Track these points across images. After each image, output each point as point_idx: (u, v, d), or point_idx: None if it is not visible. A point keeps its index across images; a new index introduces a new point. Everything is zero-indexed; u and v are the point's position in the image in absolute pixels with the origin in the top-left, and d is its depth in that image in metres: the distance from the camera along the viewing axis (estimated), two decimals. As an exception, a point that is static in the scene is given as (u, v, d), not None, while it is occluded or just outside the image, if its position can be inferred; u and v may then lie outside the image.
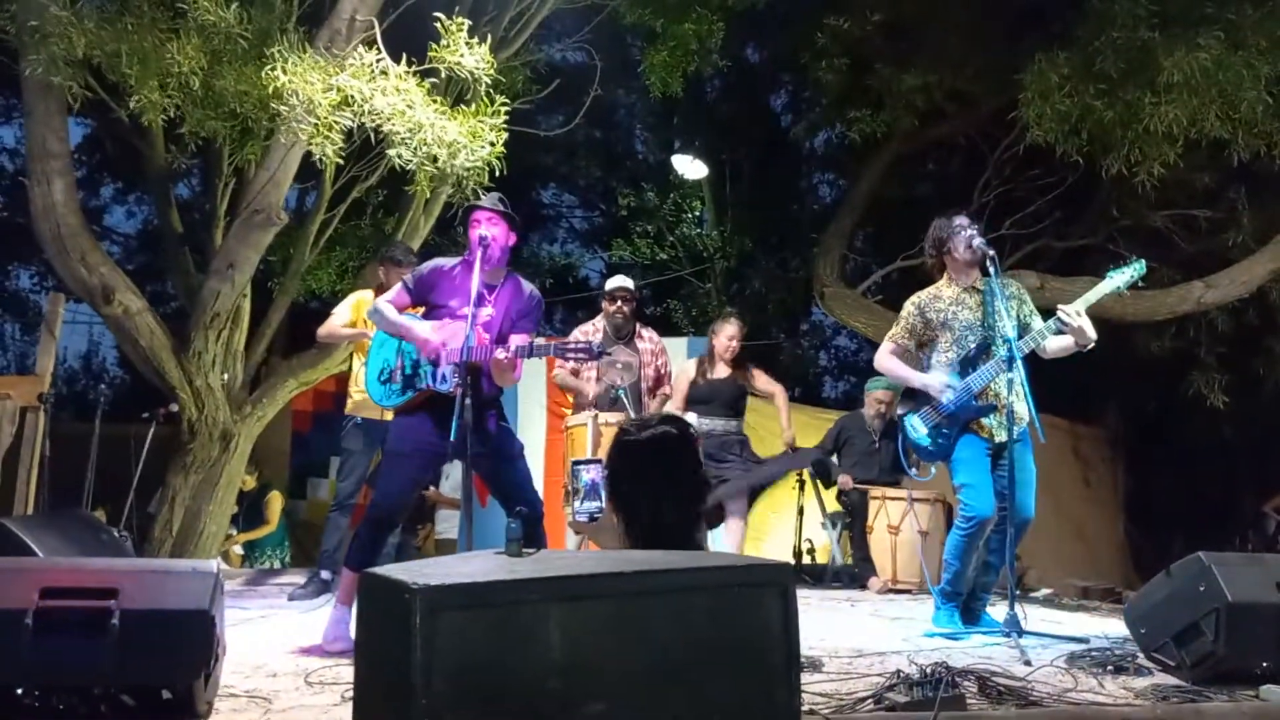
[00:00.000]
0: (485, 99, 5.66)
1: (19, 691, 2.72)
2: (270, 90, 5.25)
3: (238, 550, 8.46)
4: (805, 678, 2.33)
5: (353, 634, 4.11)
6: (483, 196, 4.70)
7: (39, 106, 6.07)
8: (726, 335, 6.62)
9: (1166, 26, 7.53)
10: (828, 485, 7.71)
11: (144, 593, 2.77)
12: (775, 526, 8.50)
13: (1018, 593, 4.74)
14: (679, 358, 8.15)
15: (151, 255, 14.65)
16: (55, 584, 2.75)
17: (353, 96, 5.31)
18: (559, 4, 7.79)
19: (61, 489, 6.55)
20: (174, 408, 6.83)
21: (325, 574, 6.03)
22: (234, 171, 7.52)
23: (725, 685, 1.87)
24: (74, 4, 5.37)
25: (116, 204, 15.70)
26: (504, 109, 5.68)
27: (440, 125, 5.40)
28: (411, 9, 6.44)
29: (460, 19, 5.59)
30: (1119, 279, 4.76)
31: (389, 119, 5.36)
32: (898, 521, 7.02)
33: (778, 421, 6.91)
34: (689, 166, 12.56)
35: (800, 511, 7.80)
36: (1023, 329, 4.80)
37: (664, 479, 2.56)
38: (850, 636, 4.60)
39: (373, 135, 5.59)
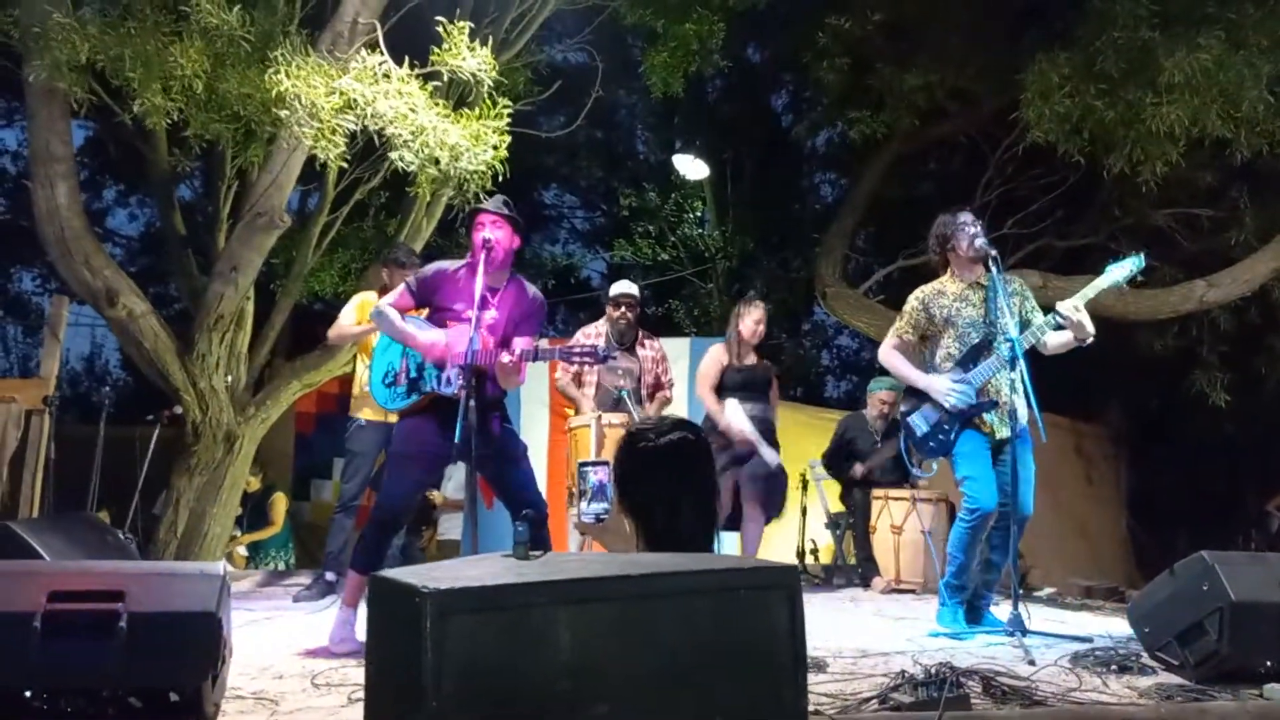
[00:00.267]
0: (487, 101, 5.67)
1: (27, 694, 2.72)
2: (273, 94, 5.26)
3: (242, 551, 8.48)
4: (810, 678, 2.33)
5: (359, 635, 4.14)
6: (486, 199, 4.72)
7: (42, 111, 6.09)
8: (753, 319, 6.52)
9: (1167, 26, 7.54)
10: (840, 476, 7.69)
11: (151, 595, 2.78)
12: (778, 527, 8.52)
13: (1021, 592, 4.75)
14: (681, 358, 8.17)
15: (154, 258, 14.68)
16: (63, 587, 2.75)
17: (355, 100, 5.32)
18: (560, 5, 7.80)
19: (66, 491, 6.56)
20: (178, 410, 6.84)
21: (330, 575, 6.05)
22: (237, 174, 7.54)
23: (733, 687, 1.87)
24: (77, 9, 5.38)
25: (119, 207, 15.75)
26: (506, 111, 5.69)
27: (443, 128, 5.41)
28: (413, 11, 6.46)
29: (462, 22, 5.60)
30: (1117, 273, 4.78)
31: (391, 122, 5.37)
32: (901, 521, 7.02)
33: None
34: (690, 166, 12.57)
35: (803, 512, 7.80)
36: (1024, 326, 4.83)
37: (680, 485, 2.56)
38: (854, 637, 4.60)
39: (375, 138, 5.60)
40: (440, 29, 5.57)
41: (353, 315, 6.06)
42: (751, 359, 6.56)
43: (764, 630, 1.92)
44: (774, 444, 6.42)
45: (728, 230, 13.60)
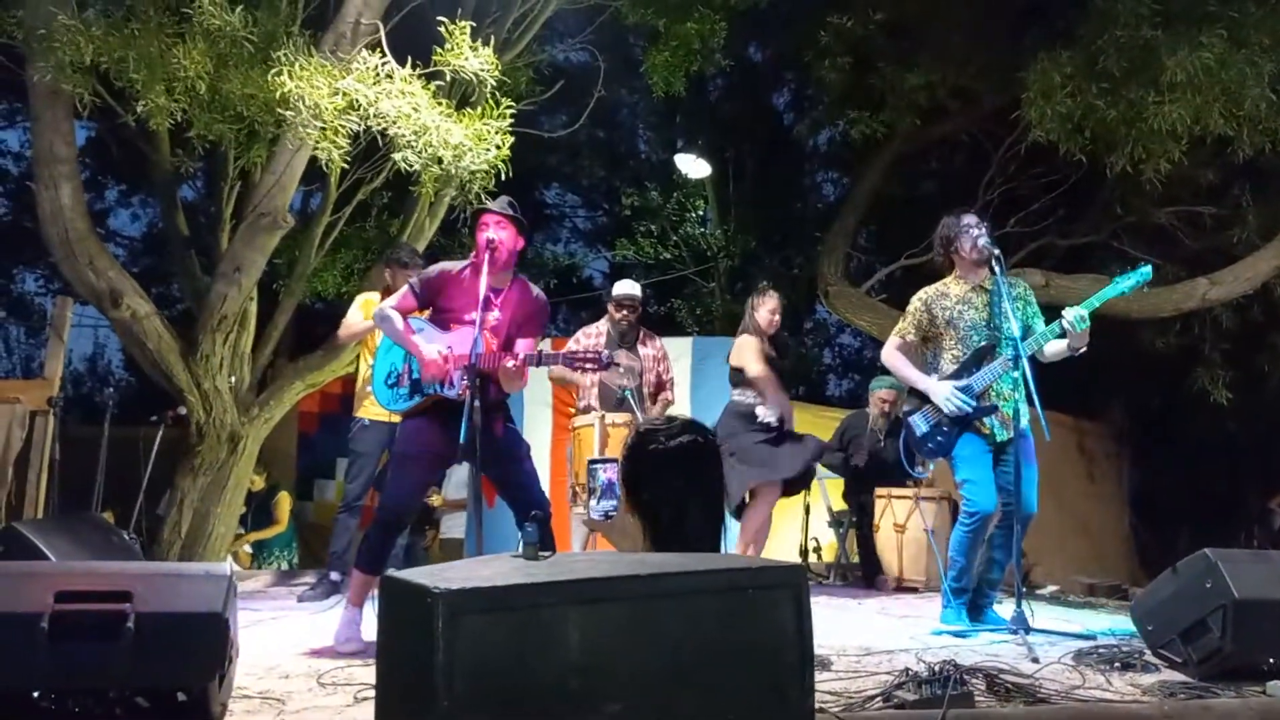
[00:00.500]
0: (490, 101, 5.67)
1: (35, 695, 2.73)
2: (276, 95, 5.27)
3: (247, 550, 8.50)
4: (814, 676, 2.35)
5: (364, 635, 4.16)
6: (489, 199, 4.72)
7: (46, 112, 6.09)
8: (769, 309, 6.40)
9: (1169, 25, 7.53)
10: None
11: (158, 596, 2.78)
12: (781, 525, 8.53)
13: (1024, 590, 4.76)
14: (683, 357, 8.18)
15: (156, 258, 14.71)
16: (70, 588, 2.76)
17: (358, 100, 5.33)
18: (562, 4, 7.80)
19: (70, 492, 6.57)
20: (182, 410, 6.85)
21: (335, 575, 6.07)
22: (239, 175, 7.54)
23: (740, 686, 1.89)
24: (81, 10, 5.39)
25: (121, 207, 15.77)
26: (508, 111, 5.70)
27: (445, 128, 5.42)
28: (415, 11, 6.47)
29: (464, 22, 5.61)
30: (1124, 283, 4.79)
31: (394, 122, 5.38)
32: (904, 520, 7.04)
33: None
34: (692, 166, 12.58)
35: (806, 510, 7.82)
36: (1025, 330, 4.83)
37: (689, 488, 2.57)
38: (858, 635, 4.61)
39: (378, 138, 5.61)
40: (442, 29, 5.58)
41: (359, 314, 6.08)
42: (769, 349, 6.52)
43: (771, 629, 1.93)
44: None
45: (730, 229, 13.61)
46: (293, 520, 9.02)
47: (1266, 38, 7.42)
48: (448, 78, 5.72)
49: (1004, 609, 4.85)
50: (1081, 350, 4.77)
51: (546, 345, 4.58)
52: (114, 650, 2.68)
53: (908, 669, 3.42)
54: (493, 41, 5.86)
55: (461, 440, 3.87)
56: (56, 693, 2.74)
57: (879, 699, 3.11)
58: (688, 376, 8.20)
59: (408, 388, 4.37)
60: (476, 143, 5.49)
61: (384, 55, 5.56)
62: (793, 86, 14.80)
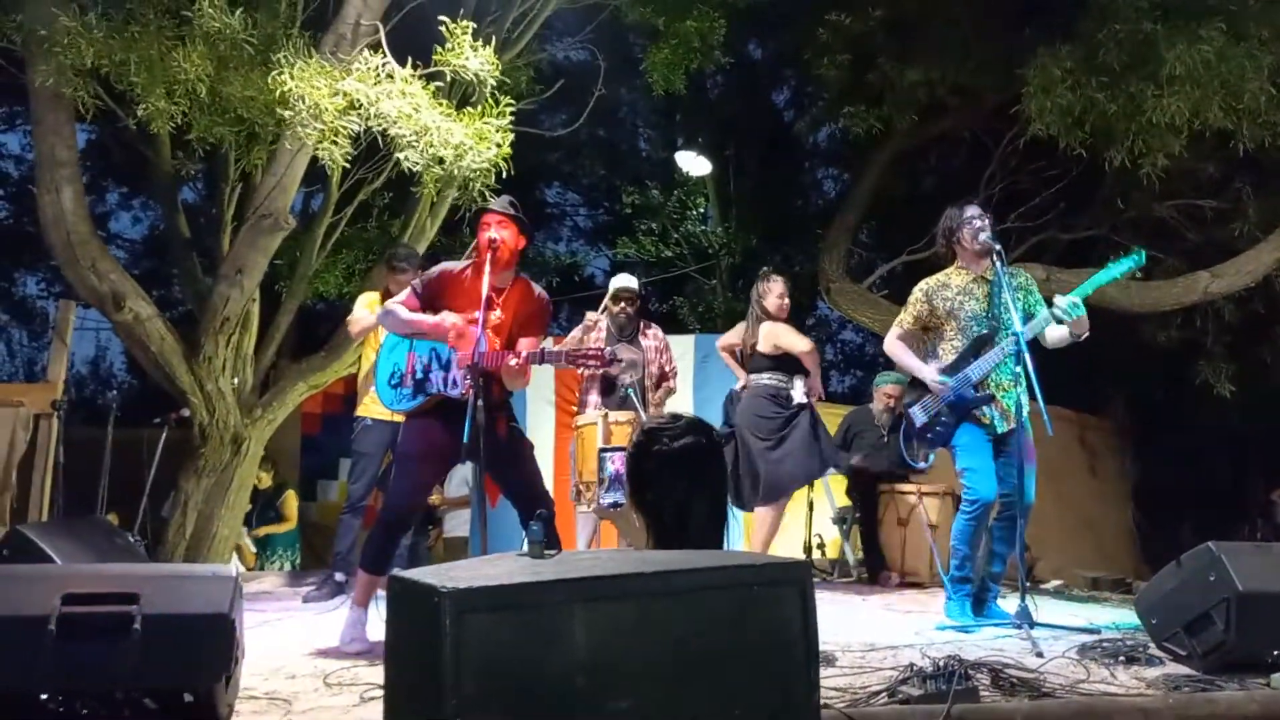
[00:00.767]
0: (491, 101, 5.68)
1: (43, 697, 2.74)
2: (277, 96, 5.28)
3: (250, 548, 8.51)
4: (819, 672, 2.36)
5: (369, 635, 4.17)
6: (492, 199, 4.73)
7: (48, 116, 6.10)
8: (777, 294, 6.40)
9: (1168, 18, 7.53)
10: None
11: (165, 597, 2.79)
12: (785, 522, 8.54)
13: (1028, 584, 4.77)
14: (686, 355, 8.18)
15: (157, 261, 14.71)
16: (77, 590, 2.77)
17: (359, 101, 5.33)
18: (561, 4, 7.80)
19: (73, 495, 6.58)
20: (185, 412, 6.86)
21: (339, 576, 6.08)
22: (240, 176, 7.55)
23: (746, 682, 1.89)
24: (82, 14, 5.39)
25: (122, 210, 15.77)
26: (509, 110, 5.70)
27: (446, 128, 5.42)
28: (415, 11, 6.46)
29: (464, 22, 5.61)
30: (1116, 269, 4.82)
31: (395, 122, 5.38)
32: (907, 515, 7.04)
33: None
34: (692, 163, 12.57)
35: (810, 506, 7.82)
36: (1028, 320, 4.85)
37: (692, 489, 2.58)
38: (862, 630, 4.62)
39: (379, 139, 5.61)
40: (443, 29, 5.58)
41: (364, 310, 6.12)
42: None
43: (777, 625, 1.94)
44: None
45: (731, 226, 13.60)
46: (298, 519, 9.07)
47: (1266, 30, 7.41)
48: (448, 78, 5.72)
49: (1008, 603, 4.87)
50: (1083, 336, 4.78)
51: (549, 343, 4.59)
52: (121, 651, 2.69)
53: (912, 664, 3.42)
54: (493, 41, 5.86)
55: (465, 440, 3.87)
56: (64, 694, 2.75)
57: (884, 694, 3.12)
58: (690, 374, 8.20)
59: (411, 388, 4.38)
60: (478, 142, 5.50)
61: (384, 56, 5.56)
62: (793, 84, 14.79)
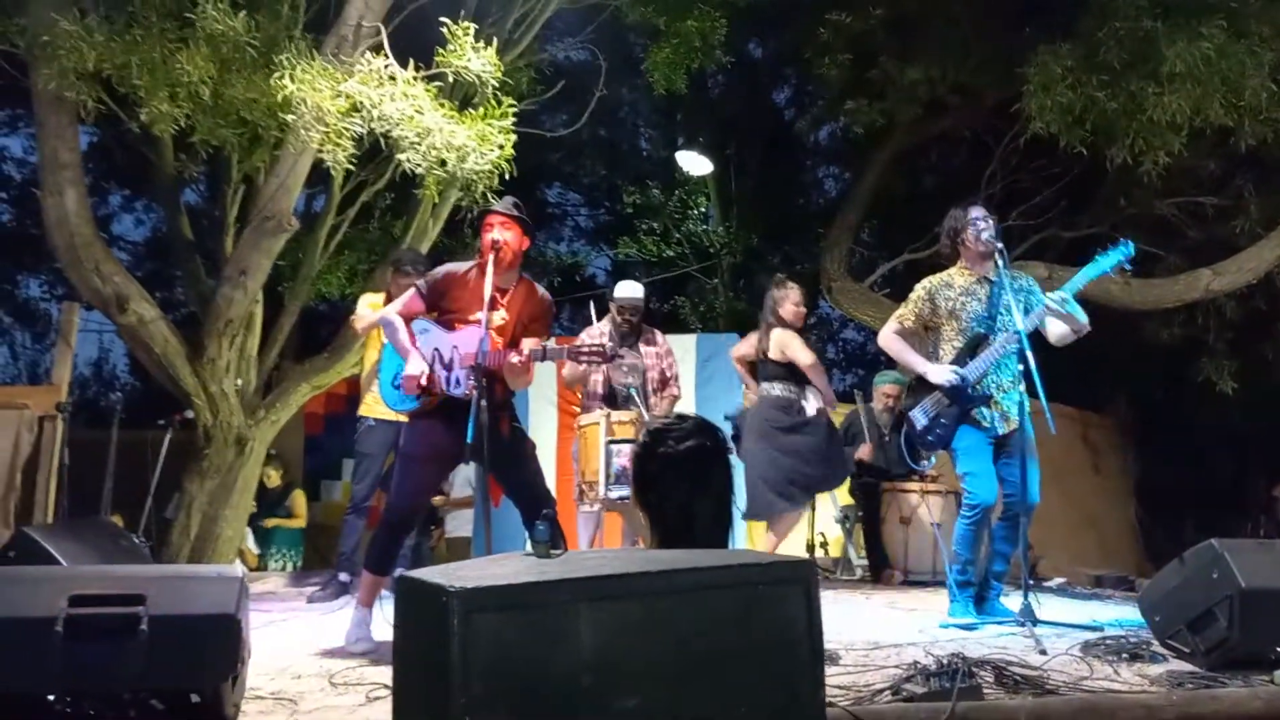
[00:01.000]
0: (492, 102, 5.68)
1: (50, 698, 2.76)
2: (279, 99, 5.28)
3: (253, 549, 8.53)
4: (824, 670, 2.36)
5: (374, 635, 4.18)
6: (495, 200, 4.74)
7: (50, 119, 6.11)
8: (793, 301, 6.38)
9: (1169, 16, 7.53)
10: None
11: (171, 598, 2.80)
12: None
13: (1031, 582, 4.77)
14: (687, 354, 8.19)
15: (160, 262, 14.71)
16: (84, 591, 2.78)
17: (361, 103, 5.34)
18: (562, 4, 7.81)
19: (77, 496, 6.60)
20: (188, 414, 6.88)
21: (343, 576, 6.09)
22: (243, 178, 7.56)
23: (751, 680, 1.90)
24: (84, 17, 5.40)
25: (125, 212, 15.77)
26: (511, 111, 5.71)
27: (449, 130, 5.43)
28: (416, 13, 6.47)
29: (466, 23, 5.62)
30: (1105, 262, 4.82)
31: (398, 124, 5.39)
32: (909, 513, 7.05)
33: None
34: (694, 163, 12.57)
35: (812, 506, 7.83)
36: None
37: (697, 492, 2.59)
38: (866, 629, 4.63)
39: (382, 140, 5.62)
40: (445, 30, 5.59)
41: (367, 310, 6.14)
42: None
43: (782, 624, 1.95)
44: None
45: (732, 226, 13.60)
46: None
47: (1266, 27, 7.41)
48: (450, 78, 5.72)
49: (1011, 601, 4.87)
50: (1083, 332, 4.79)
51: (551, 343, 4.60)
52: (128, 652, 2.70)
53: (916, 662, 3.43)
54: (494, 42, 5.87)
55: (468, 439, 3.89)
56: (71, 695, 2.76)
57: (888, 692, 3.13)
58: (692, 374, 8.21)
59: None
60: (480, 143, 5.50)
61: (386, 57, 5.57)
62: (793, 82, 14.80)
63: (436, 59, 5.59)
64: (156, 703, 2.82)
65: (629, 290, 6.52)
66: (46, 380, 7.12)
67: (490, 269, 4.19)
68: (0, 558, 4.00)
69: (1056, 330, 4.88)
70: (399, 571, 4.26)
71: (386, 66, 5.50)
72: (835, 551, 8.29)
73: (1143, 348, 10.79)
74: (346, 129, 5.37)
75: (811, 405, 6.27)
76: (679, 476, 2.58)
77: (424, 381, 4.19)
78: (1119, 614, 5.09)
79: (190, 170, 7.88)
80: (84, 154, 6.89)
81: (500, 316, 4.31)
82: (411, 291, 4.43)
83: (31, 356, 17.50)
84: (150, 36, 5.39)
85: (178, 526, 6.89)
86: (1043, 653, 3.86)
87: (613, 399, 6.26)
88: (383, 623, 4.22)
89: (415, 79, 5.48)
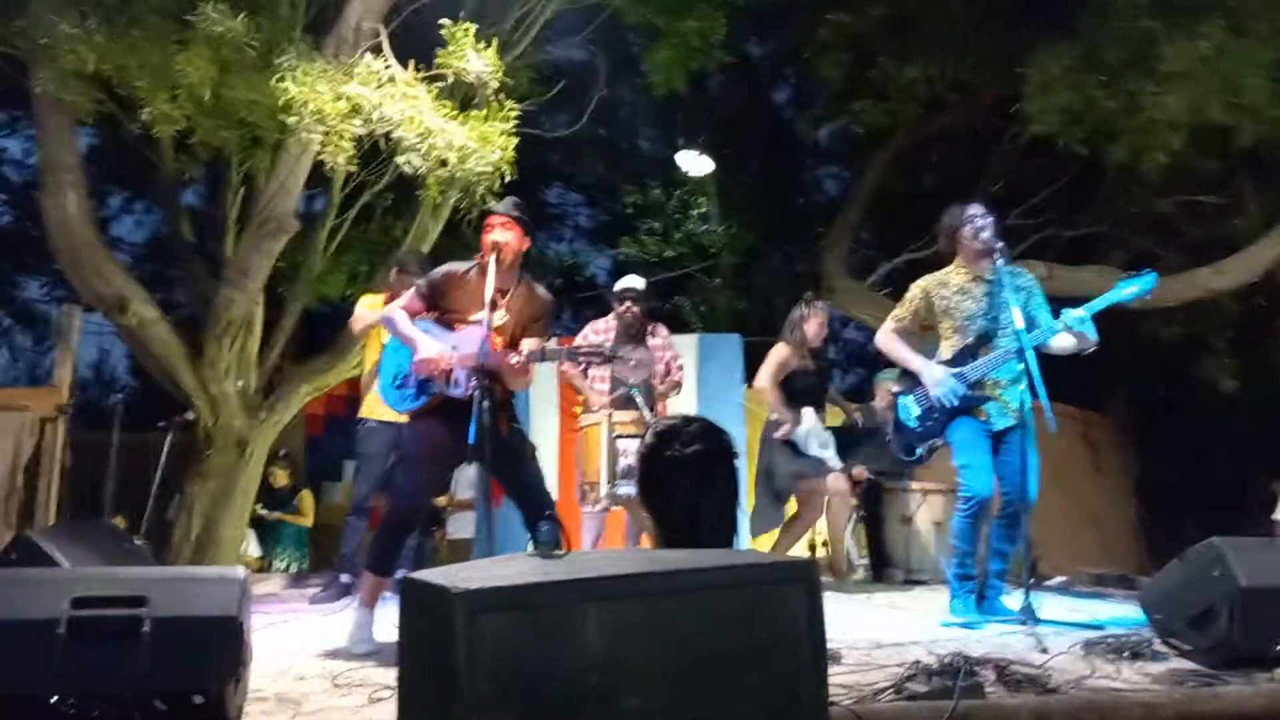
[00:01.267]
0: (494, 103, 5.68)
1: (53, 700, 2.76)
2: (279, 100, 5.28)
3: (255, 552, 8.53)
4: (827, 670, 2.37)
5: (377, 636, 4.18)
6: (495, 201, 4.74)
7: (50, 121, 6.11)
8: (819, 322, 6.57)
9: (1167, 15, 7.53)
10: None
11: (173, 600, 2.80)
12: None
13: (1032, 581, 4.77)
14: (689, 354, 8.18)
15: (160, 264, 14.69)
16: (86, 593, 2.79)
17: (362, 104, 5.34)
18: (562, 4, 7.80)
19: (78, 498, 6.60)
20: (189, 415, 6.88)
21: (345, 578, 6.09)
22: (243, 180, 7.56)
23: (755, 680, 1.91)
24: (83, 18, 5.40)
25: (124, 213, 15.73)
26: (512, 113, 5.71)
27: (449, 131, 5.43)
28: (417, 13, 6.47)
29: (466, 25, 5.62)
30: (1126, 291, 4.78)
31: (398, 125, 5.39)
32: (911, 512, 7.05)
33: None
34: (694, 162, 12.56)
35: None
36: (1029, 323, 4.82)
37: (702, 495, 2.59)
38: (868, 628, 4.63)
39: (382, 141, 5.62)
40: (444, 31, 5.58)
41: (366, 311, 6.14)
42: (811, 364, 6.57)
43: (784, 624, 1.95)
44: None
45: (732, 225, 13.59)
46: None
47: (1265, 26, 7.41)
48: (450, 79, 5.72)
49: (1012, 600, 4.87)
50: (1089, 350, 4.77)
51: (553, 343, 4.61)
52: (131, 654, 2.70)
53: (918, 661, 3.43)
54: (495, 43, 5.87)
55: (470, 440, 3.89)
56: (74, 697, 2.76)
57: (890, 691, 3.13)
58: (694, 373, 8.21)
59: (414, 388, 4.39)
60: (481, 144, 5.51)
61: (386, 59, 5.57)
62: (793, 82, 14.78)
63: (436, 60, 5.59)
64: (160, 704, 2.83)
65: (627, 280, 6.57)
66: (46, 382, 7.12)
67: (491, 270, 4.19)
68: (2, 560, 4.01)
69: (1060, 344, 4.84)
70: (401, 573, 4.27)
71: (387, 68, 5.50)
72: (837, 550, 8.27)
73: (1143, 346, 10.78)
74: (347, 130, 5.37)
75: (784, 432, 6.42)
76: (685, 480, 2.59)
77: (445, 363, 4.17)
78: (1120, 612, 5.08)
79: (190, 172, 7.88)
80: (84, 156, 6.90)
81: (501, 317, 4.31)
82: (411, 291, 4.43)
83: (32, 359, 17.48)
84: (150, 38, 5.39)
85: (179, 528, 6.89)
86: (1044, 651, 3.86)
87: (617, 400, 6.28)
88: (385, 624, 4.23)
89: (416, 80, 5.49)
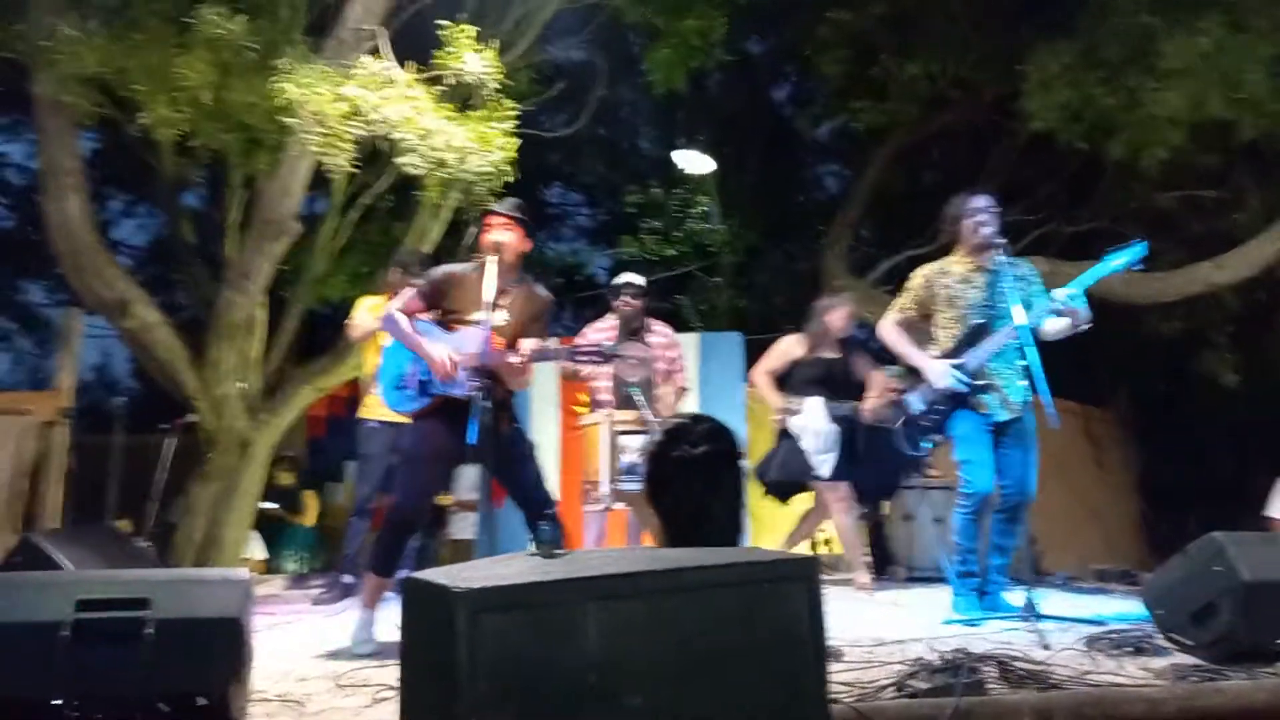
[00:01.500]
0: (494, 103, 5.69)
1: (58, 702, 2.76)
2: (279, 103, 5.29)
3: (259, 556, 8.53)
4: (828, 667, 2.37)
5: (379, 636, 4.19)
6: (495, 202, 4.74)
7: (51, 125, 6.12)
8: (845, 313, 6.55)
9: (1167, 11, 7.53)
10: None
11: (176, 602, 2.81)
12: (791, 519, 8.55)
13: (1034, 577, 4.77)
14: (690, 353, 8.17)
15: (162, 267, 14.69)
16: (90, 595, 2.79)
17: (361, 106, 5.34)
18: (562, 4, 7.80)
19: (82, 501, 6.61)
20: (192, 418, 6.88)
21: (347, 578, 6.09)
22: (244, 182, 7.57)
23: (756, 677, 1.91)
24: (84, 22, 5.41)
25: (126, 216, 15.73)
26: (512, 114, 5.72)
27: (449, 132, 5.44)
28: (417, 14, 6.48)
29: (465, 26, 5.62)
30: (1116, 262, 4.79)
31: (398, 126, 5.39)
32: (913, 509, 7.05)
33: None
34: (694, 161, 12.56)
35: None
36: (1027, 308, 4.81)
37: (709, 496, 2.59)
38: (870, 625, 4.63)
39: (384, 142, 5.62)
40: (444, 32, 5.59)
41: (365, 314, 6.14)
42: (831, 353, 6.56)
43: (785, 621, 1.96)
44: (854, 447, 6.47)
45: (733, 224, 13.59)
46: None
47: (1265, 21, 7.40)
48: (451, 81, 5.72)
49: (1015, 596, 4.87)
50: (1083, 328, 4.77)
51: (553, 342, 4.61)
52: (134, 656, 2.71)
53: (920, 658, 3.43)
54: (495, 44, 5.87)
55: (471, 440, 3.89)
56: (78, 699, 2.77)
57: (892, 688, 3.13)
58: (695, 372, 8.20)
59: (415, 389, 4.39)
60: (480, 145, 5.51)
61: (386, 60, 5.57)
62: (793, 80, 14.78)
63: (435, 61, 5.59)
64: (163, 705, 2.83)
65: (626, 276, 6.55)
66: (48, 386, 7.13)
67: (492, 270, 4.19)
68: (6, 563, 4.01)
69: (1053, 327, 4.84)
70: (404, 573, 4.27)
71: (386, 69, 5.50)
72: (839, 549, 8.28)
73: (1144, 342, 10.79)
74: (347, 132, 5.37)
75: (779, 419, 6.42)
76: (692, 481, 2.59)
77: (453, 362, 4.18)
78: (1122, 608, 5.08)
79: (191, 174, 7.89)
80: (85, 159, 6.90)
81: (501, 317, 4.31)
82: (411, 291, 4.43)
83: (34, 362, 17.49)
84: (150, 41, 5.41)
85: (182, 530, 6.89)
86: (1046, 647, 3.87)
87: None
88: (387, 624, 4.24)
89: (415, 81, 5.49)
